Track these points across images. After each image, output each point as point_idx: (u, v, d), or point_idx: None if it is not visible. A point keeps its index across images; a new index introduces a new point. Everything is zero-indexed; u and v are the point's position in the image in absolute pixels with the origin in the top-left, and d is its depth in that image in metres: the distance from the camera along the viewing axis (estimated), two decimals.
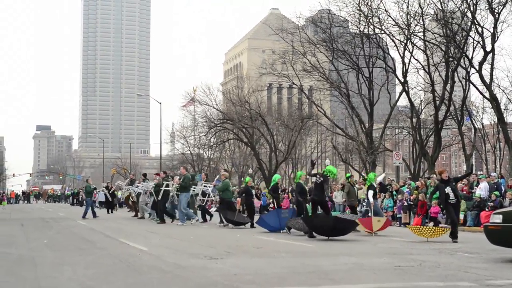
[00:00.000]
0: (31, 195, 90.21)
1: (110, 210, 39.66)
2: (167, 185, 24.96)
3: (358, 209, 24.35)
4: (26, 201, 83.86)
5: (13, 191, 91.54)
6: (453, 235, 16.00)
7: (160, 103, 64.94)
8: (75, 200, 61.74)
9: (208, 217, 26.81)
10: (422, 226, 19.08)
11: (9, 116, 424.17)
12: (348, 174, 26.27)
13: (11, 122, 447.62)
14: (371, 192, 19.59)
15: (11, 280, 9.13)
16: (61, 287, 8.50)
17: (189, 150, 77.12)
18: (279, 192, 21.53)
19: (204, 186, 26.36)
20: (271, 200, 36.20)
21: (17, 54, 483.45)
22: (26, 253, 12.92)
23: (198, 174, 31.74)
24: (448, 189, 16.10)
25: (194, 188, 25.99)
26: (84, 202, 32.34)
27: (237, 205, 39.55)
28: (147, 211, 28.69)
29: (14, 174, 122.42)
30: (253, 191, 22.83)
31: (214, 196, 26.39)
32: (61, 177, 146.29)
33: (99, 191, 48.72)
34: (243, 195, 23.98)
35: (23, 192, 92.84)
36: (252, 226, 22.12)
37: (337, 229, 16.90)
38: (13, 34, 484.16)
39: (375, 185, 19.82)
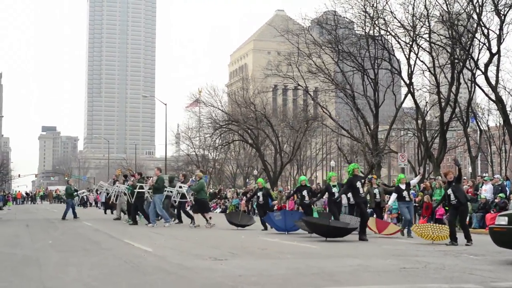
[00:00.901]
0: (37, 196, 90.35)
1: (106, 211, 39.29)
2: (141, 187, 24.72)
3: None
4: (31, 202, 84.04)
5: (19, 191, 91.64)
6: (452, 237, 15.89)
7: (166, 104, 64.98)
8: (79, 201, 61.78)
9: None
10: (427, 224, 19.05)
11: (14, 117, 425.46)
12: (370, 176, 26.09)
13: (17, 123, 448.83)
14: (394, 195, 19.35)
15: (16, 280, 9.15)
16: (66, 287, 8.51)
17: (194, 151, 77.22)
18: (304, 192, 21.17)
19: (180, 187, 25.59)
20: (276, 202, 36.21)
21: (22, 54, 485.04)
22: (31, 254, 12.95)
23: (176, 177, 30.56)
24: (449, 190, 16.12)
25: (171, 190, 25.37)
26: (67, 202, 31.70)
27: (241, 206, 39.82)
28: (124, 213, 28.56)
29: (19, 175, 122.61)
30: (260, 193, 22.50)
31: (189, 197, 25.50)
32: (66, 178, 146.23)
33: (100, 192, 48.48)
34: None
35: (27, 193, 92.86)
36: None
37: (334, 230, 16.93)
38: (18, 34, 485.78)
39: (403, 187, 19.53)
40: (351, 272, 9.89)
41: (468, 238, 15.79)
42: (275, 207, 33.47)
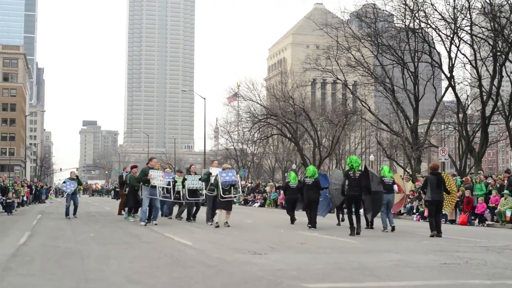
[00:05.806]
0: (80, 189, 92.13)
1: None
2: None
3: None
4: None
5: None
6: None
7: (204, 99, 65.25)
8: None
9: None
10: None
11: (56, 111, 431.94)
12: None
13: (58, 117, 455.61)
14: None
15: (59, 272, 9.29)
16: (108, 280, 8.60)
17: (233, 145, 77.54)
18: None
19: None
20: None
21: (63, 50, 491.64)
22: (73, 246, 13.13)
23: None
24: None
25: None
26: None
27: (279, 200, 39.86)
28: None
29: (61, 169, 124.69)
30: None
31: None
32: (106, 172, 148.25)
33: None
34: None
35: None
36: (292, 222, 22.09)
37: None
38: (59, 30, 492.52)
39: None
40: (391, 267, 9.81)
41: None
42: None
